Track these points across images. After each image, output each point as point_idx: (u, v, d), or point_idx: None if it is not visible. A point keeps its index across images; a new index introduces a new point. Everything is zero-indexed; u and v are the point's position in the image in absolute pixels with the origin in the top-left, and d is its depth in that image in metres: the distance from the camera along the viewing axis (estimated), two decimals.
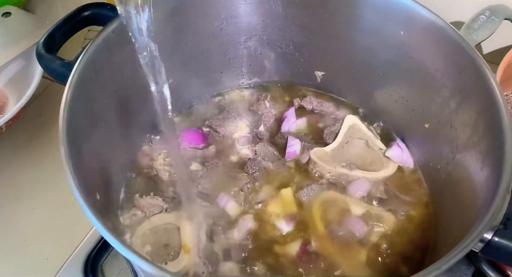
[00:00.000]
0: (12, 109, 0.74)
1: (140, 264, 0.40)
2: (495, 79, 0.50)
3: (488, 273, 0.60)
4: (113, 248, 0.41)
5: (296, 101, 0.72)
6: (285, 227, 0.60)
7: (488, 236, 0.42)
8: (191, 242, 0.57)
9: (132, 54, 0.50)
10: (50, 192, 0.75)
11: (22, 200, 0.75)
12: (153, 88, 0.50)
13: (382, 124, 0.70)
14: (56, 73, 0.53)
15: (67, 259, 0.68)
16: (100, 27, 0.56)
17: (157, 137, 0.68)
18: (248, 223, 0.59)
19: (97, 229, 0.42)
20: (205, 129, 0.69)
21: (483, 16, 0.67)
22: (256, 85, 0.75)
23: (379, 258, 0.58)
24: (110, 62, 0.54)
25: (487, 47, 0.79)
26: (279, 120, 0.70)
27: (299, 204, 0.62)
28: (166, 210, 0.61)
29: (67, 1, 0.97)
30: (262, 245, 0.58)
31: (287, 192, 0.62)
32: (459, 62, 0.55)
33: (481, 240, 0.42)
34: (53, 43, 0.55)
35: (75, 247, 0.69)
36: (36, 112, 0.83)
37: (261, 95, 0.73)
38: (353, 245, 0.58)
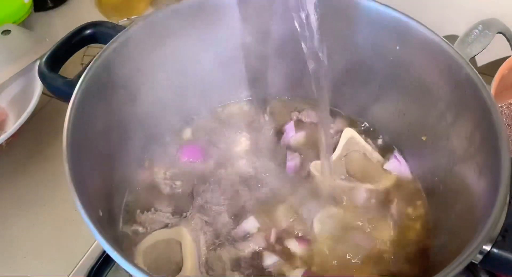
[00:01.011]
0: (12, 126, 0.74)
1: None
2: (489, 93, 0.51)
3: None
4: (115, 263, 0.42)
5: (294, 115, 0.73)
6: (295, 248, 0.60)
7: (487, 247, 0.43)
8: (192, 257, 0.57)
9: (134, 72, 0.51)
10: (50, 208, 0.75)
11: (22, 216, 0.75)
12: None
13: (379, 137, 0.71)
14: (59, 91, 0.53)
15: (69, 276, 0.68)
16: (100, 45, 0.58)
17: (158, 152, 0.68)
18: (258, 239, 0.59)
19: (103, 247, 0.42)
20: (205, 143, 0.70)
21: (476, 30, 0.68)
22: (255, 99, 0.76)
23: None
24: (112, 80, 0.55)
25: (481, 60, 0.81)
26: (279, 134, 0.71)
27: (301, 219, 0.62)
28: (167, 226, 0.61)
29: (66, 19, 0.99)
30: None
31: (287, 208, 0.63)
32: (454, 76, 0.56)
33: (480, 252, 0.43)
34: (55, 61, 0.56)
35: (76, 263, 0.69)
36: (35, 128, 0.83)
37: (260, 109, 0.74)
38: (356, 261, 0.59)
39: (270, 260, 0.58)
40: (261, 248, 0.59)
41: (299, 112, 0.73)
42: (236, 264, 0.58)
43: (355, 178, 0.66)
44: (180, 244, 0.59)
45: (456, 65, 0.56)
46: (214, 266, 0.57)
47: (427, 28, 0.58)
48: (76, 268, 0.68)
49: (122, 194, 0.64)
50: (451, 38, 0.79)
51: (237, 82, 0.73)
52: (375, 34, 0.63)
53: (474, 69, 0.54)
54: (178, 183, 0.65)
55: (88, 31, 0.59)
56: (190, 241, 0.58)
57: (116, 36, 0.56)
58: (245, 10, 0.62)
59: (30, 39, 0.85)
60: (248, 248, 0.59)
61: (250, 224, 0.60)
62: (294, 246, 0.60)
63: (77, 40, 0.58)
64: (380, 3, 0.61)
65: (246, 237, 0.60)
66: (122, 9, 0.96)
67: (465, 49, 0.66)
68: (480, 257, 0.43)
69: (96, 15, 0.98)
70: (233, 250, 0.58)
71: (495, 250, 0.43)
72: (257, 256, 0.59)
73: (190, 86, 0.68)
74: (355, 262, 0.58)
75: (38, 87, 0.78)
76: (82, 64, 0.88)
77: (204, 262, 0.57)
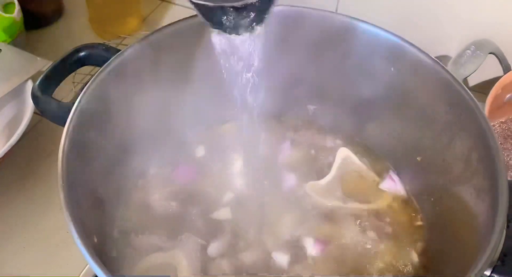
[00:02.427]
0: (2, 147, 0.73)
1: None
2: (484, 116, 0.52)
3: None
4: None
5: (289, 134, 0.73)
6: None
7: (487, 273, 0.43)
8: None
9: (129, 95, 0.51)
10: (41, 231, 0.74)
11: (12, 239, 0.73)
12: None
13: (374, 157, 0.71)
14: (53, 115, 0.53)
15: None
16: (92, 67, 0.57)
17: (153, 172, 0.68)
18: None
19: (98, 274, 0.42)
20: (200, 164, 0.69)
21: (468, 51, 0.69)
22: (249, 118, 0.76)
23: None
24: (108, 103, 0.55)
25: (474, 80, 0.82)
26: (274, 152, 0.71)
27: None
28: (162, 249, 0.60)
29: (57, 37, 0.98)
30: None
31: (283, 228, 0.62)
32: (448, 98, 0.57)
33: None
34: (48, 84, 0.55)
35: None
36: (26, 149, 0.82)
37: (255, 128, 0.74)
38: None
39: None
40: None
41: (294, 131, 0.73)
42: None
43: (351, 198, 0.66)
44: (176, 268, 0.58)
45: (450, 87, 0.56)
46: None
47: (420, 50, 0.59)
48: None
49: (116, 217, 0.63)
50: (443, 59, 0.80)
51: (232, 101, 0.72)
52: (369, 55, 0.63)
53: (469, 92, 0.54)
54: (173, 204, 0.65)
55: (81, 54, 0.58)
56: (186, 266, 0.58)
57: (111, 59, 0.55)
58: None
59: (21, 58, 0.84)
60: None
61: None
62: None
63: (71, 62, 0.58)
64: (373, 25, 0.61)
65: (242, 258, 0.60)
66: (115, 28, 0.95)
67: (458, 70, 0.67)
68: None
69: (88, 34, 0.97)
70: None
71: (495, 276, 0.43)
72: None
73: (185, 106, 0.68)
74: None
75: (29, 107, 0.77)
76: (73, 82, 0.88)
77: None
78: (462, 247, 0.50)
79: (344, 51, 0.64)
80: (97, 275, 0.42)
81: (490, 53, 0.71)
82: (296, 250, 0.61)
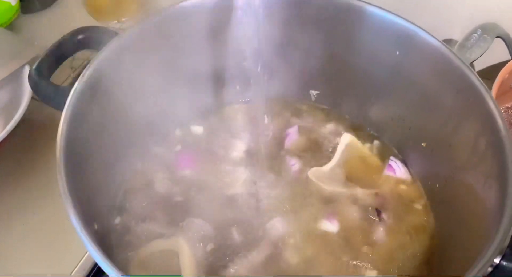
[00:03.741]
0: None
1: None
2: (493, 100, 0.51)
3: None
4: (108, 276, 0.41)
5: (293, 119, 0.72)
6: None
7: (496, 260, 0.42)
8: (191, 269, 0.56)
9: (128, 78, 0.50)
10: (40, 218, 0.73)
11: (11, 227, 0.72)
12: None
13: (378, 142, 0.70)
14: (51, 100, 0.52)
15: None
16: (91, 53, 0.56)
17: (153, 157, 0.67)
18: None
19: (98, 263, 0.41)
20: (202, 149, 0.68)
21: (475, 35, 0.67)
22: (251, 103, 0.75)
23: None
24: (106, 86, 0.53)
25: (480, 64, 0.80)
26: (277, 138, 0.70)
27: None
28: (163, 236, 0.59)
29: (54, 21, 0.96)
30: None
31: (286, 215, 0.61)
32: (456, 82, 0.55)
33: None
34: (46, 68, 0.54)
35: (68, 275, 0.67)
36: (24, 135, 0.81)
37: (257, 114, 0.72)
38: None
39: None
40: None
41: (297, 116, 0.72)
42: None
43: (355, 184, 0.65)
44: (178, 256, 0.57)
45: (458, 71, 0.55)
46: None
47: (428, 33, 0.58)
48: None
49: (117, 204, 0.62)
50: (447, 42, 0.79)
51: (234, 83, 0.71)
52: (374, 39, 0.62)
53: (477, 75, 0.53)
54: (174, 190, 0.64)
55: (79, 37, 0.57)
56: (189, 253, 0.57)
57: (109, 42, 0.54)
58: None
59: (18, 42, 0.83)
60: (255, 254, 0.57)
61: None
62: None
63: (69, 46, 0.57)
64: (381, 8, 0.60)
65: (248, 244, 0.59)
66: (113, 11, 0.93)
67: (464, 54, 0.65)
68: (489, 270, 0.42)
69: (85, 17, 0.95)
70: (238, 259, 0.57)
71: (504, 263, 0.42)
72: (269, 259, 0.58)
73: (185, 90, 0.67)
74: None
75: (26, 92, 0.76)
76: (71, 68, 0.86)
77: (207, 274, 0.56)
78: (470, 234, 0.50)
79: (349, 34, 0.63)
80: (97, 262, 0.41)
81: (497, 37, 0.69)
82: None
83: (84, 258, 0.68)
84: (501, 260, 0.42)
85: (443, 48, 0.56)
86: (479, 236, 0.46)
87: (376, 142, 0.70)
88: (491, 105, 0.50)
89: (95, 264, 0.67)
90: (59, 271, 0.67)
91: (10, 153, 0.79)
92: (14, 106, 0.75)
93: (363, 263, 0.58)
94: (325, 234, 0.60)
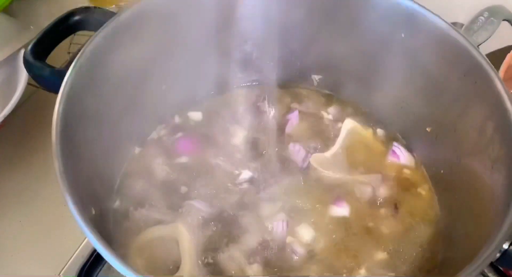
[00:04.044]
0: None
1: None
2: (502, 81, 0.49)
3: None
4: (106, 262, 0.39)
5: (294, 105, 0.71)
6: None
7: (505, 246, 0.41)
8: (191, 255, 0.55)
9: (126, 60, 0.48)
10: (38, 204, 0.72)
11: (8, 214, 0.71)
12: None
13: (381, 127, 0.69)
14: (46, 81, 0.50)
15: (59, 275, 0.65)
16: (88, 33, 0.54)
17: (153, 143, 0.66)
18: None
19: (96, 248, 0.40)
20: (202, 134, 0.67)
21: (482, 17, 0.66)
22: (252, 88, 0.73)
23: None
24: (103, 69, 0.52)
25: (486, 48, 0.79)
26: (278, 124, 0.68)
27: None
28: (162, 222, 0.58)
29: (51, 5, 0.94)
30: None
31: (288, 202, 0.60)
32: (463, 64, 0.54)
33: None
34: (41, 49, 0.52)
35: (66, 262, 0.66)
36: (21, 120, 0.79)
37: (258, 98, 0.71)
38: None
39: None
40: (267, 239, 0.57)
41: (299, 102, 0.71)
42: (250, 256, 0.56)
43: (357, 170, 0.64)
44: (177, 242, 0.56)
45: (464, 53, 0.54)
46: (222, 264, 0.55)
47: (434, 13, 0.56)
48: (66, 267, 0.66)
49: (115, 189, 0.61)
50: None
51: (235, 67, 0.70)
52: (379, 21, 0.60)
53: (485, 57, 0.52)
54: (173, 176, 0.63)
55: (76, 17, 0.55)
56: (188, 239, 0.56)
57: (107, 22, 0.52)
58: None
59: (14, 26, 0.81)
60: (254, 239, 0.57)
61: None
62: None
63: (64, 27, 0.55)
64: None
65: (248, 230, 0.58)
66: None
67: (471, 36, 0.64)
68: (497, 255, 0.41)
69: (82, 1, 0.94)
70: (238, 245, 0.56)
71: None
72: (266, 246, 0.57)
73: (184, 73, 0.65)
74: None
75: (23, 77, 0.74)
76: (69, 53, 0.84)
77: (205, 261, 0.55)
78: (476, 220, 0.49)
79: (354, 16, 0.61)
80: (96, 248, 0.40)
81: (504, 19, 0.67)
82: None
83: (82, 244, 0.67)
84: (510, 245, 0.41)
85: (450, 30, 0.54)
86: (486, 222, 0.45)
87: (379, 127, 0.69)
88: (499, 87, 0.49)
89: (94, 251, 0.66)
90: (57, 258, 0.66)
91: (8, 139, 0.78)
92: (11, 90, 0.74)
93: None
94: (329, 219, 0.60)
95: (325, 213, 0.60)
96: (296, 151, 0.65)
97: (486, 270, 0.61)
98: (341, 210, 0.60)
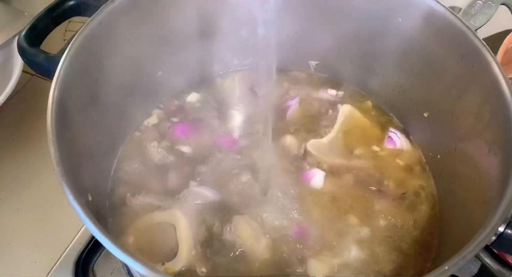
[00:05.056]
0: None
1: (136, 267, 0.38)
2: (500, 65, 0.49)
3: (492, 268, 0.59)
4: (104, 248, 0.39)
5: (291, 90, 0.70)
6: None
7: (501, 229, 0.41)
8: (188, 241, 0.55)
9: (121, 45, 0.47)
10: (35, 192, 0.72)
11: (5, 202, 0.71)
12: None
13: (379, 112, 0.69)
14: (41, 68, 0.50)
15: (56, 262, 0.65)
16: (83, 18, 0.53)
17: (149, 125, 0.66)
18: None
19: (94, 234, 0.40)
20: (199, 119, 0.67)
21: (480, 1, 0.65)
22: (249, 72, 0.72)
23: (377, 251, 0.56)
24: (98, 54, 0.51)
25: (484, 33, 0.78)
26: (275, 108, 0.67)
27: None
28: (159, 208, 0.58)
29: None
30: None
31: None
32: (460, 48, 0.54)
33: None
34: (35, 35, 0.52)
35: (64, 249, 0.66)
36: (16, 108, 0.79)
37: (255, 83, 0.70)
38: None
39: None
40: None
41: (296, 87, 0.71)
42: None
43: (354, 155, 0.64)
44: (175, 228, 0.56)
45: (462, 36, 0.53)
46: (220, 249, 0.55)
47: None
48: (64, 254, 0.66)
49: (111, 176, 0.61)
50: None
51: (230, 52, 0.69)
52: (376, 5, 0.60)
53: (483, 41, 0.51)
54: (170, 161, 0.62)
55: (71, 3, 0.55)
56: (185, 225, 0.56)
57: (101, 7, 0.52)
58: None
59: (8, 13, 0.80)
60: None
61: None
62: None
63: (59, 12, 0.54)
64: None
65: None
66: None
67: (468, 21, 0.63)
68: (493, 238, 0.41)
69: None
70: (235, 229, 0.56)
71: (508, 231, 0.41)
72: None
73: (180, 57, 0.65)
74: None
75: (18, 64, 0.74)
76: (64, 40, 0.84)
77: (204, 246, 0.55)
78: (472, 203, 0.49)
79: (350, 1, 0.61)
80: (93, 234, 0.40)
81: (502, 4, 0.67)
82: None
83: (80, 231, 0.68)
84: (506, 228, 0.41)
85: (448, 14, 0.54)
86: (482, 205, 0.45)
87: (376, 112, 0.69)
88: (497, 70, 0.48)
89: (92, 238, 0.66)
90: (55, 245, 0.66)
91: (4, 127, 0.78)
92: (5, 78, 0.73)
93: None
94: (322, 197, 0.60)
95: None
96: (293, 137, 0.64)
97: (482, 255, 0.61)
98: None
